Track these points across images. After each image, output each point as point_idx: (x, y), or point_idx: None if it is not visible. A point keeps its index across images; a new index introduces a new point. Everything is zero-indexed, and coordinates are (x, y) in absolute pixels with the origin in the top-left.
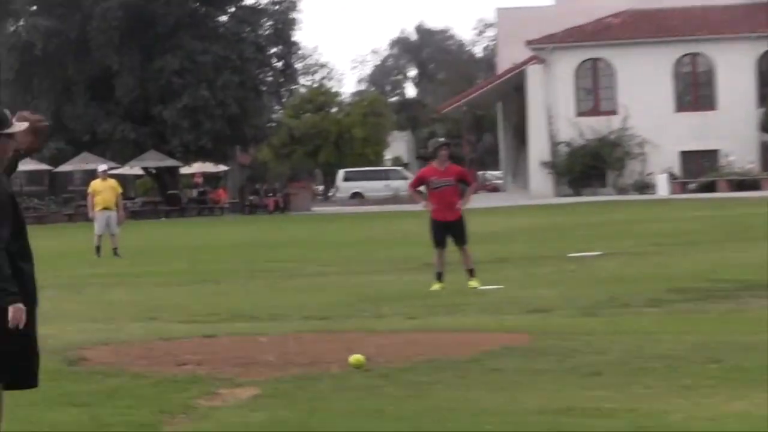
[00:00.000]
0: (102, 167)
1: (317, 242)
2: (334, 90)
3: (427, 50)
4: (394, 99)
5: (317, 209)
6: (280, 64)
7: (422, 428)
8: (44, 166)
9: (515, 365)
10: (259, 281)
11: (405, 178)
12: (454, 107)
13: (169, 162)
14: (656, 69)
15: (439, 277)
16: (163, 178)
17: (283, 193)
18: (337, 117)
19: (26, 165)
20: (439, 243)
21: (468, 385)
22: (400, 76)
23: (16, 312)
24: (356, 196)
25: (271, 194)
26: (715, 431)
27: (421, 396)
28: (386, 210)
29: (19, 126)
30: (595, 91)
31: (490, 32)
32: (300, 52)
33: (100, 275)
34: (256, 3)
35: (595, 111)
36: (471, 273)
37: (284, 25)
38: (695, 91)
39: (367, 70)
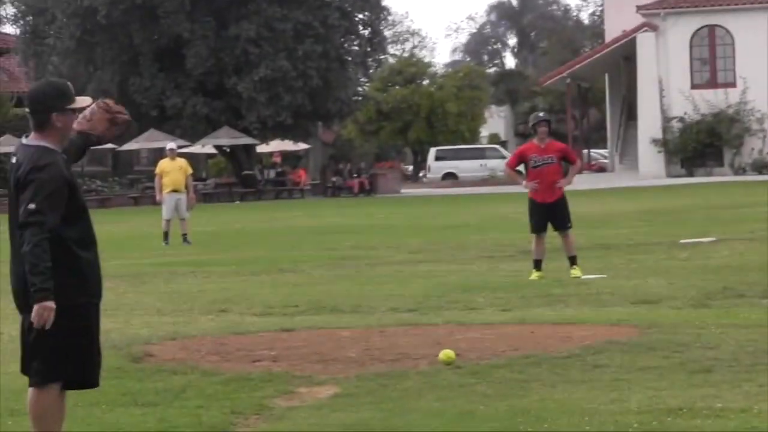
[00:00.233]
0: (171, 145)
1: (405, 227)
2: (426, 60)
3: (528, 17)
4: (491, 70)
5: (406, 191)
6: (367, 32)
7: (516, 430)
8: (107, 145)
9: (619, 361)
10: (341, 270)
11: (502, 157)
12: (557, 79)
13: (245, 140)
14: None
15: (538, 265)
16: (238, 157)
17: (369, 173)
18: (429, 90)
19: None
20: (539, 227)
21: (567, 383)
22: (498, 45)
23: (42, 310)
24: (449, 176)
25: (356, 175)
26: None
27: (515, 395)
28: (481, 192)
29: (82, 101)
30: (711, 62)
31: None
32: (389, 18)
33: (168, 263)
34: None
35: (711, 83)
36: (573, 261)
37: None
38: None
39: (463, 38)
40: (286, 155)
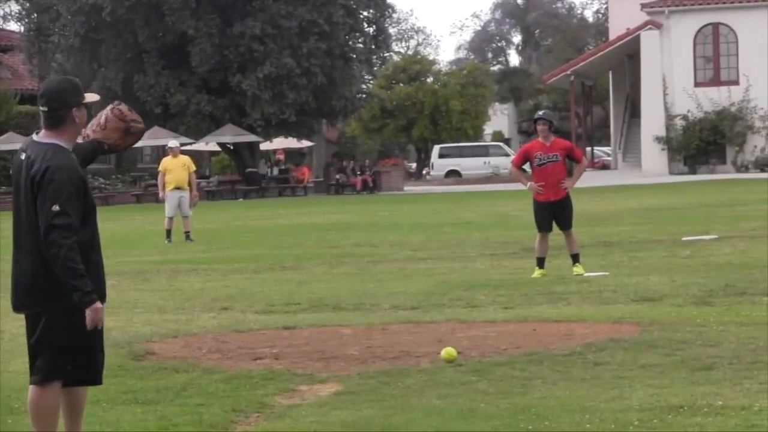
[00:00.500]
0: (173, 143)
1: (408, 225)
2: (430, 58)
3: (533, 14)
4: (495, 68)
5: (409, 189)
6: (371, 30)
7: (517, 428)
8: None
9: (621, 359)
10: (343, 267)
11: (506, 154)
12: (561, 77)
13: (249, 137)
14: None
15: (541, 263)
16: (242, 154)
17: (372, 171)
18: (433, 88)
19: None
20: (543, 226)
21: (568, 380)
22: (502, 43)
23: (95, 313)
24: (452, 174)
25: (359, 172)
26: None
27: (516, 393)
28: (485, 189)
29: (91, 97)
30: (715, 59)
31: None
32: (394, 16)
33: (171, 261)
34: None
35: (715, 81)
36: (575, 258)
37: None
38: None
39: (467, 36)
40: (289, 153)
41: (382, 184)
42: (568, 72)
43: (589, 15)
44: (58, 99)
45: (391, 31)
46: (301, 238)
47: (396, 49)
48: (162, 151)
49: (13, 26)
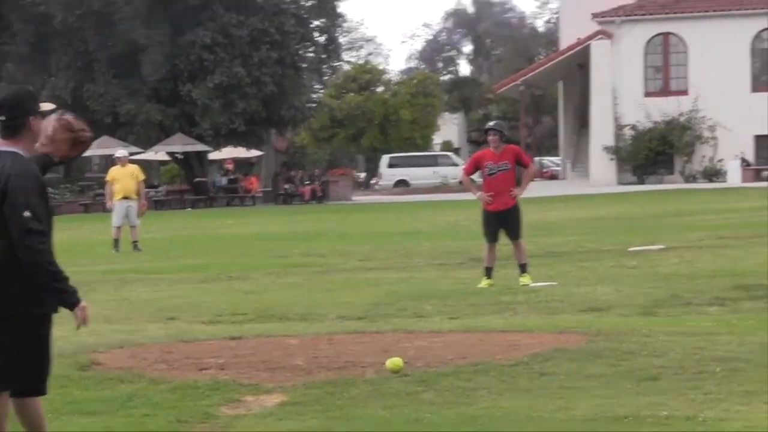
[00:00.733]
0: (121, 152)
1: (356, 235)
2: (380, 67)
3: (483, 24)
4: (446, 77)
5: (358, 198)
6: (322, 39)
7: None
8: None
9: (566, 369)
10: (291, 277)
11: (455, 164)
12: (512, 87)
13: (198, 146)
14: (732, 45)
15: (489, 272)
16: (191, 164)
17: (321, 180)
18: (383, 97)
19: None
20: (491, 236)
21: (514, 391)
22: (453, 53)
23: (84, 311)
24: (401, 184)
25: (308, 182)
26: None
27: (462, 403)
28: (434, 199)
29: (47, 106)
30: (665, 69)
31: (554, 4)
32: (345, 25)
33: (117, 271)
34: None
35: (664, 91)
36: (523, 268)
37: None
38: None
39: (418, 45)
40: (238, 162)
41: (330, 193)
42: (519, 82)
43: (540, 25)
44: (17, 107)
45: (342, 40)
46: (249, 248)
47: (346, 58)
48: (111, 161)
49: None
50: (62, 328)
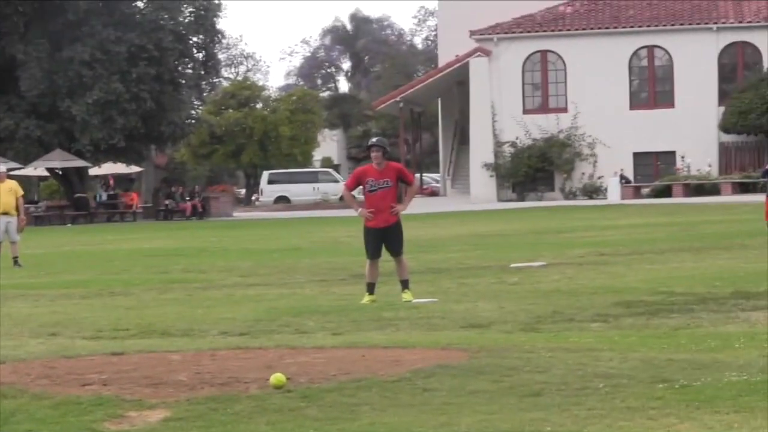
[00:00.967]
0: (0, 168)
1: (237, 251)
2: (259, 84)
3: (362, 41)
4: (325, 94)
5: (239, 215)
6: (201, 55)
7: None
8: None
9: (449, 385)
10: (172, 293)
11: (335, 180)
12: (390, 103)
13: (77, 162)
14: (610, 63)
15: (371, 288)
16: (71, 180)
17: (201, 197)
18: (262, 113)
19: None
20: (373, 252)
21: (397, 406)
22: (332, 69)
23: None
24: (281, 200)
25: (188, 198)
26: None
27: (345, 418)
28: (314, 215)
29: None
30: (543, 87)
31: (432, 21)
32: (224, 41)
33: None
34: None
35: (543, 108)
36: (405, 285)
37: (206, 12)
38: (652, 86)
39: (297, 62)
40: (118, 178)
41: (211, 209)
42: (398, 99)
43: (418, 42)
44: None
45: (221, 56)
46: (130, 264)
47: (225, 74)
48: None
49: None
50: None
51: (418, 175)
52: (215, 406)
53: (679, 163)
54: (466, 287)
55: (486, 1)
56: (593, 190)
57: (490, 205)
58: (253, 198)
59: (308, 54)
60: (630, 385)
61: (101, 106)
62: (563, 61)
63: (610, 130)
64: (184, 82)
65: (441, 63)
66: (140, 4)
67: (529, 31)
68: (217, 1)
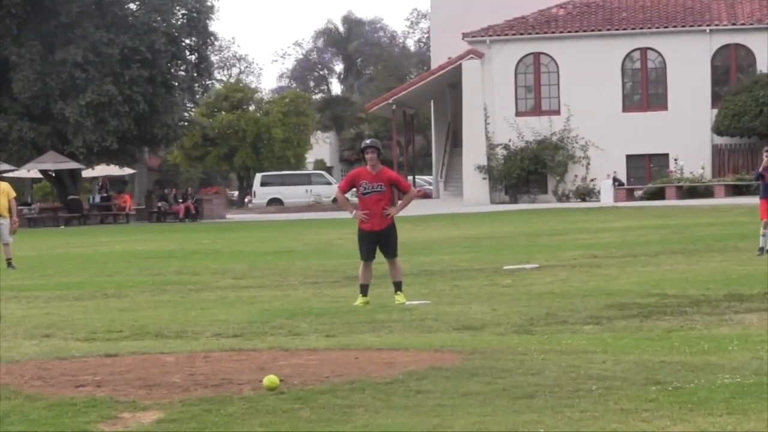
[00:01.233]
0: None
1: (230, 253)
2: (252, 86)
3: (354, 43)
4: (317, 96)
5: (232, 217)
6: (193, 57)
7: None
8: None
9: (442, 387)
10: (166, 295)
11: (328, 182)
12: (383, 106)
13: (71, 164)
14: (603, 65)
15: (364, 290)
16: (64, 182)
17: (194, 199)
18: (255, 116)
19: None
20: (367, 254)
21: (390, 408)
22: (324, 72)
23: None
24: (274, 202)
25: (181, 200)
26: None
27: (338, 420)
28: (307, 218)
29: None
30: (536, 89)
31: (425, 23)
32: (216, 44)
33: None
34: None
35: (536, 111)
36: (398, 287)
37: (199, 14)
38: (645, 89)
39: (289, 64)
40: (111, 180)
41: (204, 212)
42: (390, 101)
43: (411, 44)
44: None
45: (213, 59)
46: (123, 266)
47: (218, 76)
48: None
49: None
50: None
51: (410, 178)
52: (208, 407)
53: (672, 166)
54: (459, 289)
55: (479, 4)
56: (586, 193)
57: (483, 208)
58: (246, 200)
59: (301, 56)
60: (623, 387)
61: (94, 108)
62: (556, 64)
63: (603, 132)
64: (176, 84)
65: (434, 65)
66: (133, 7)
67: (521, 34)
68: (209, 4)
